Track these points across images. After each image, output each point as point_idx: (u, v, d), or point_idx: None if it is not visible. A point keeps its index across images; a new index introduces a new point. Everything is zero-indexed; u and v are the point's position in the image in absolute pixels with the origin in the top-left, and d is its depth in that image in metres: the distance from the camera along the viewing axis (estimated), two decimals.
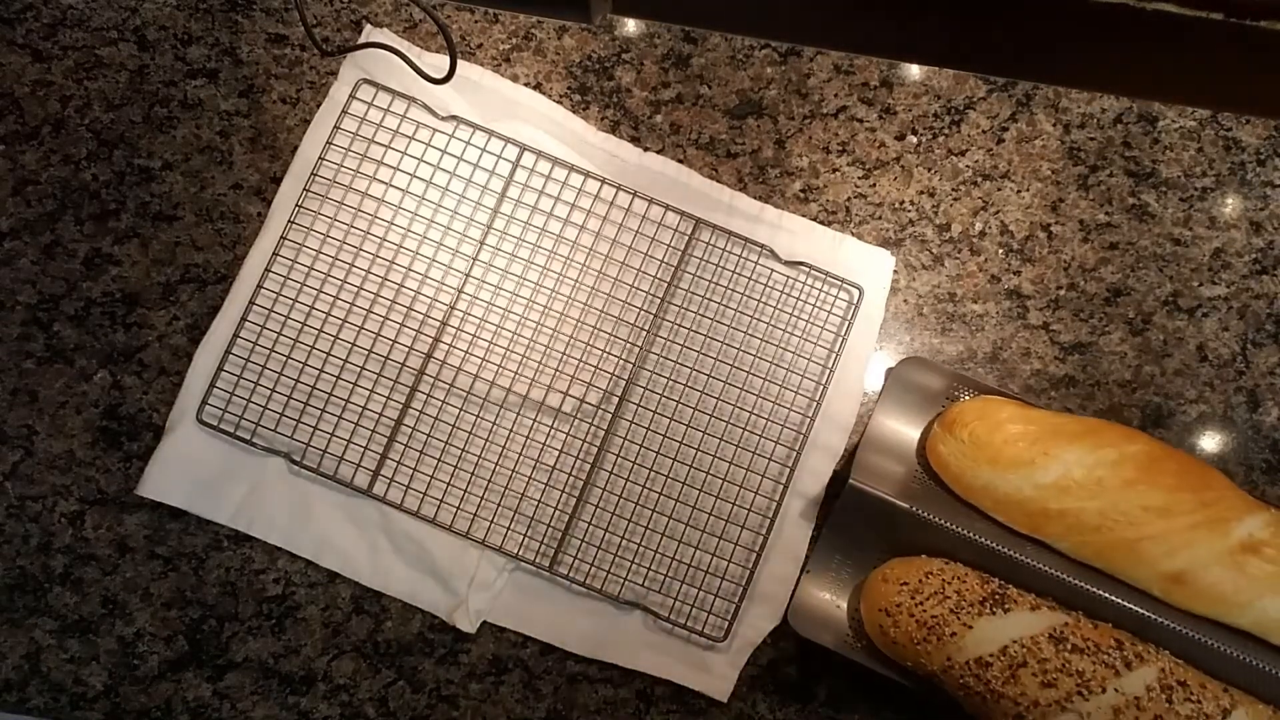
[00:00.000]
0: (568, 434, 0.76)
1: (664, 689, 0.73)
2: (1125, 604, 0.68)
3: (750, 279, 0.78)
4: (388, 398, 0.76)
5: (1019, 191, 0.80)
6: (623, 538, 0.75)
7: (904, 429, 0.75)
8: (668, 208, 0.78)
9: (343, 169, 0.78)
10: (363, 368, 0.76)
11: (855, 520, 0.71)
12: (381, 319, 0.76)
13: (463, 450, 0.75)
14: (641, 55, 0.81)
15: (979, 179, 0.80)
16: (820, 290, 0.78)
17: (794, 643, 0.73)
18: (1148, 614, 0.68)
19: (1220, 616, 0.68)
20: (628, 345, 0.77)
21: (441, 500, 0.74)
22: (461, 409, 0.76)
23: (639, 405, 0.76)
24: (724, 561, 0.74)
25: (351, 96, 0.79)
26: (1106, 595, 0.68)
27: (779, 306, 0.78)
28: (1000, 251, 0.79)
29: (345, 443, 0.75)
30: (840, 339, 0.77)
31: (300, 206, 0.77)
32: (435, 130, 0.79)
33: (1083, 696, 0.63)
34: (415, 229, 0.78)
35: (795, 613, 0.71)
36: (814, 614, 0.72)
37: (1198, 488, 0.68)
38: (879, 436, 0.74)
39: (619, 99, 0.80)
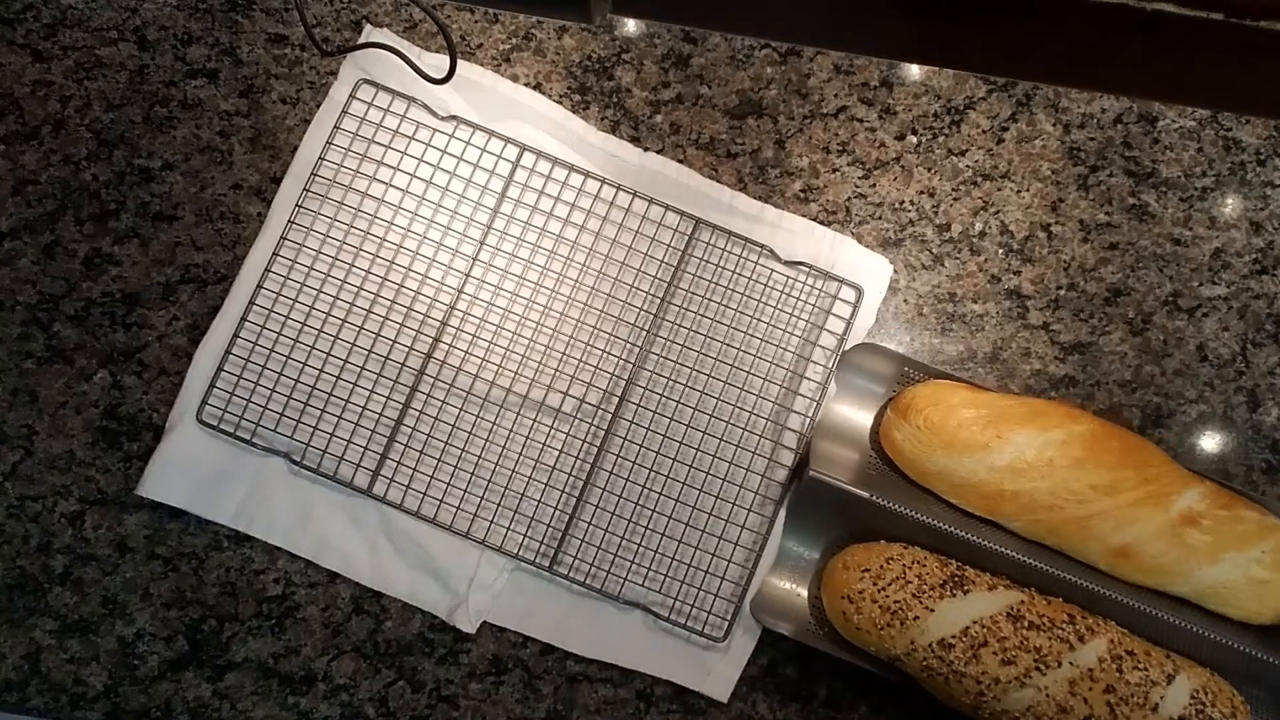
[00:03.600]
0: (568, 434, 0.76)
1: (664, 689, 0.73)
2: (1074, 579, 0.70)
3: (750, 279, 0.78)
4: (388, 398, 0.76)
5: (1019, 191, 0.80)
6: (623, 538, 0.75)
7: (857, 415, 0.76)
8: (668, 208, 0.78)
9: (343, 169, 0.78)
10: (363, 368, 0.76)
11: (813, 509, 0.73)
12: (381, 319, 0.76)
13: (463, 450, 0.75)
14: (641, 55, 0.81)
15: (979, 179, 0.80)
16: (820, 290, 0.78)
17: (794, 642, 0.73)
18: (1095, 587, 0.70)
19: (1162, 586, 0.71)
20: (628, 345, 0.77)
21: (441, 500, 0.74)
22: (462, 409, 0.76)
23: (639, 405, 0.76)
24: (724, 561, 0.74)
25: (351, 96, 0.79)
26: (1057, 571, 0.70)
27: (779, 307, 0.78)
28: (1000, 251, 0.79)
29: (345, 443, 0.75)
30: (840, 339, 0.77)
31: (300, 206, 0.77)
32: (435, 130, 0.79)
33: (1040, 671, 0.65)
34: (415, 229, 0.78)
35: (757, 604, 0.72)
36: (775, 604, 0.73)
37: (1139, 464, 0.70)
38: (833, 424, 0.76)
39: (619, 99, 0.80)
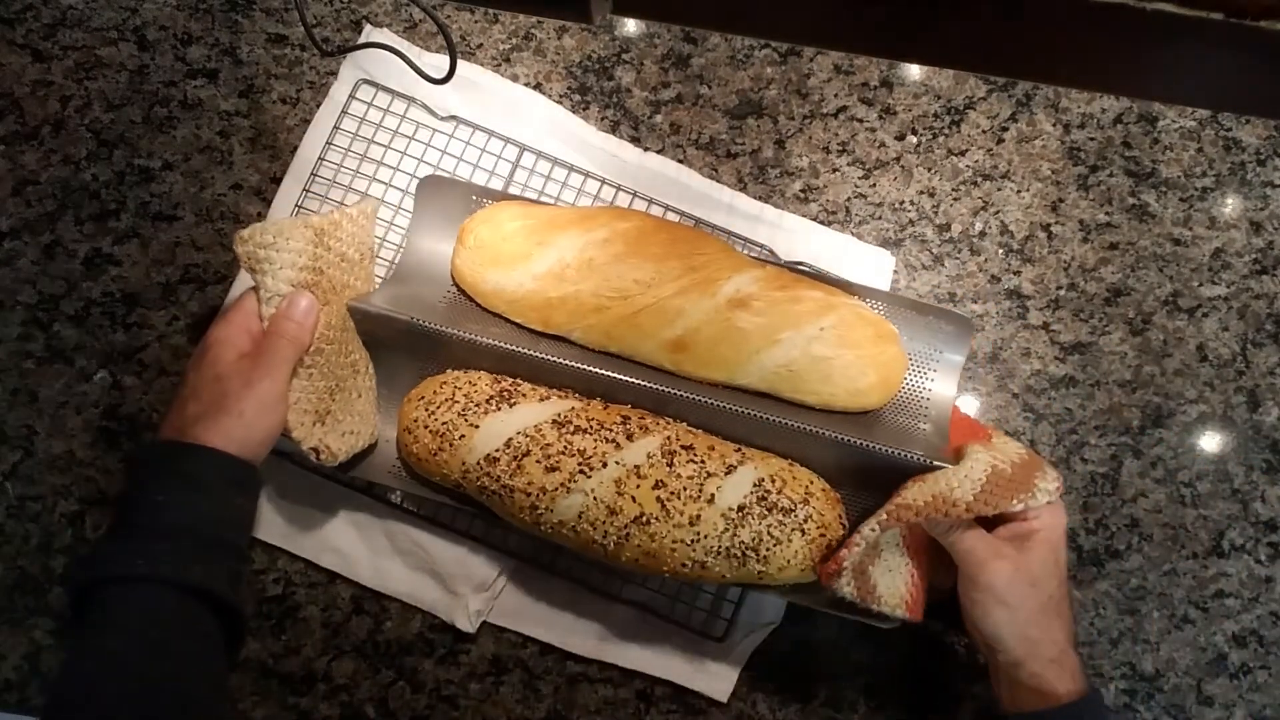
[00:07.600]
0: None
1: (664, 689, 0.73)
2: (639, 382, 0.68)
3: None
4: None
5: (1019, 191, 0.80)
6: None
7: (438, 249, 0.75)
8: (667, 208, 0.78)
9: (342, 169, 0.78)
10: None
11: (392, 352, 0.72)
12: None
13: None
14: (641, 55, 0.81)
15: (979, 179, 0.80)
16: None
17: (794, 642, 0.73)
18: (658, 387, 0.68)
19: (730, 379, 0.69)
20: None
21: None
22: None
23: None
24: None
25: (351, 96, 0.79)
26: (618, 375, 0.68)
27: None
28: (1000, 251, 0.79)
29: None
30: None
31: (300, 207, 0.77)
32: (435, 130, 0.79)
33: (585, 475, 0.64)
34: None
35: (362, 464, 0.71)
36: (371, 456, 0.72)
37: (686, 254, 0.68)
38: (413, 264, 0.75)
39: (619, 99, 0.80)
